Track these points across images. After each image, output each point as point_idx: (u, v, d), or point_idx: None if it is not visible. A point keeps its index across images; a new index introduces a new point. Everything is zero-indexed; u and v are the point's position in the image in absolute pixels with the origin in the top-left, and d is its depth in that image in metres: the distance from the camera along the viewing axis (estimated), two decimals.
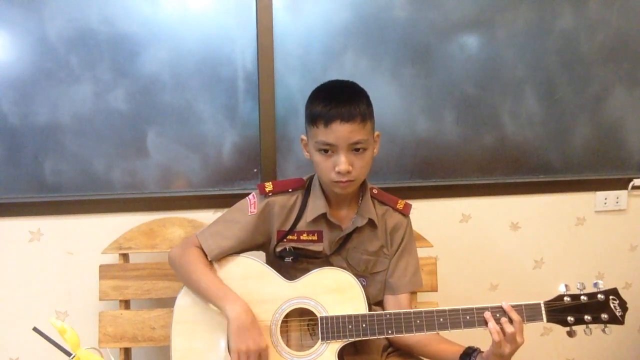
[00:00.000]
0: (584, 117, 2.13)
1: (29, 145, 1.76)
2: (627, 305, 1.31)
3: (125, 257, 1.73)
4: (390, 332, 1.32)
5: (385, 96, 1.96)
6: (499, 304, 1.30)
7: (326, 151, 1.36)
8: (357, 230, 1.46)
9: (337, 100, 1.34)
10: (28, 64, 1.73)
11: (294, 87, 1.89)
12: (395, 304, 1.50)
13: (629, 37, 2.12)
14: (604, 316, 1.30)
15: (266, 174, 1.89)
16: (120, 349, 1.67)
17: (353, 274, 1.43)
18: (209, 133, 1.86)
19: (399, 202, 1.52)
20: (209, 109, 1.86)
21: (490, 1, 2.00)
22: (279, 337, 1.37)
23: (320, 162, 1.37)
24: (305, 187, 1.50)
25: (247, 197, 1.49)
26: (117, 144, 1.81)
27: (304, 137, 1.45)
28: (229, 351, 1.34)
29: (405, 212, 1.53)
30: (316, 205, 1.45)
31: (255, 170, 1.90)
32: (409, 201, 1.54)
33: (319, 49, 1.91)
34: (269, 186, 1.47)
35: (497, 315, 1.29)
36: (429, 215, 1.99)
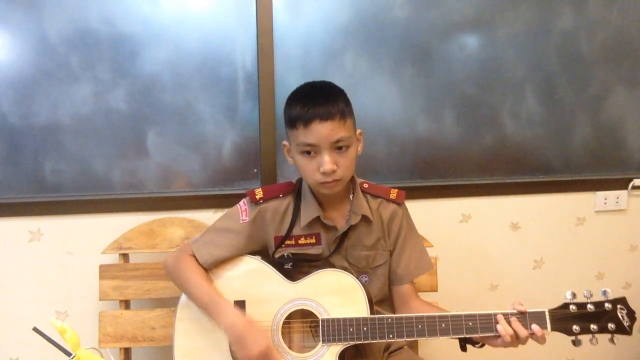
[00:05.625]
0: (584, 117, 2.13)
1: (29, 145, 1.76)
2: (636, 315, 1.28)
3: (125, 257, 1.73)
4: (391, 336, 1.32)
5: (385, 96, 1.96)
6: (505, 312, 1.29)
7: (309, 153, 1.35)
8: (352, 227, 1.45)
9: (314, 100, 1.34)
10: (28, 64, 1.73)
11: (294, 87, 1.87)
12: (400, 295, 1.50)
13: (629, 37, 2.12)
14: (611, 326, 1.26)
15: (266, 174, 1.89)
16: (120, 349, 1.67)
17: (355, 272, 1.43)
18: (209, 133, 1.86)
19: (391, 191, 1.51)
20: (209, 109, 1.85)
21: (490, 1, 2.00)
22: (280, 338, 1.36)
23: (304, 165, 1.37)
24: (295, 191, 1.49)
25: (237, 204, 1.48)
26: (117, 144, 1.81)
27: (285, 142, 1.44)
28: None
29: (399, 201, 1.51)
30: (308, 210, 1.44)
31: (255, 170, 1.90)
32: (408, 197, 1.53)
33: (319, 49, 1.91)
34: (259, 193, 1.46)
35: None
36: (429, 215, 1.99)
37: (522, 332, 1.27)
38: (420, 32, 1.97)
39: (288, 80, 1.87)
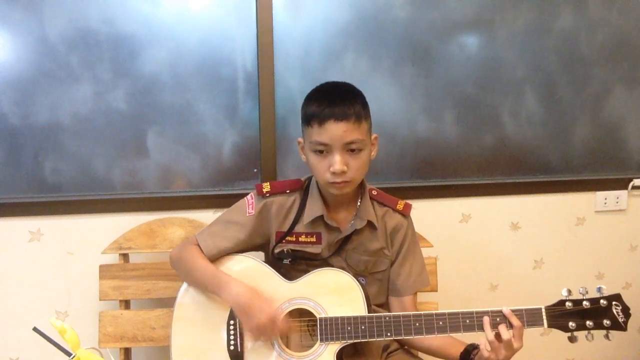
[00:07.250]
0: (584, 117, 2.13)
1: (29, 145, 1.76)
2: (630, 312, 1.29)
3: (125, 257, 1.73)
4: (389, 334, 1.32)
5: (385, 96, 1.96)
6: (499, 309, 1.29)
7: (321, 152, 1.35)
8: (356, 232, 1.45)
9: (332, 99, 1.33)
10: (28, 64, 1.73)
11: (294, 87, 1.89)
12: (399, 306, 1.51)
13: (629, 37, 2.12)
14: (606, 322, 1.28)
15: (266, 174, 1.89)
16: (120, 349, 1.68)
17: (353, 274, 1.43)
18: (209, 133, 1.86)
19: (398, 202, 1.52)
20: (209, 109, 1.86)
21: (490, 1, 2.00)
22: (278, 337, 1.36)
23: (316, 163, 1.37)
24: (303, 188, 1.49)
25: (245, 198, 1.49)
26: (117, 144, 1.81)
27: (300, 139, 1.45)
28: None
29: (405, 213, 1.52)
30: (313, 208, 1.44)
31: (255, 170, 1.90)
32: (409, 201, 1.53)
33: (319, 49, 1.91)
34: (266, 187, 1.47)
35: (497, 319, 1.29)
36: (429, 215, 1.98)
37: (516, 322, 1.27)
38: (420, 32, 1.97)
39: (288, 80, 1.87)
